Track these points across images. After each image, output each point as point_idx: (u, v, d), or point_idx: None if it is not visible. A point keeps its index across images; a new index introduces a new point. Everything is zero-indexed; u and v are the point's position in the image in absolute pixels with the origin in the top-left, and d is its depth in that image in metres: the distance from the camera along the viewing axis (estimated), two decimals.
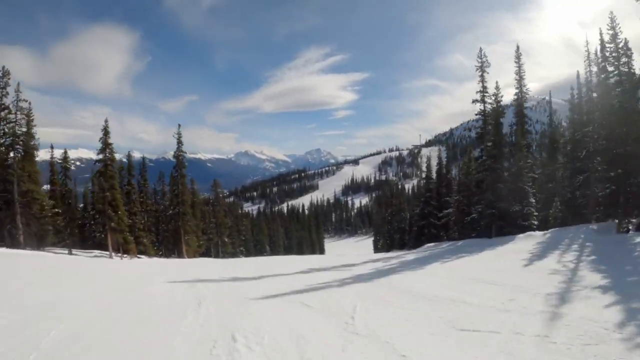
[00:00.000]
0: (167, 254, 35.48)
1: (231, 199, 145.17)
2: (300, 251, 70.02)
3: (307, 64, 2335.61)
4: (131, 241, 27.74)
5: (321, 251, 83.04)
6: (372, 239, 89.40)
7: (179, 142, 35.43)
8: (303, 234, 72.97)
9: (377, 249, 62.44)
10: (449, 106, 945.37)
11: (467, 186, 30.08)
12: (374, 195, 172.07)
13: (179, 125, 35.42)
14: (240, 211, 66.95)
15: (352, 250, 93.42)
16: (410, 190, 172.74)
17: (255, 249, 56.09)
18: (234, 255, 43.62)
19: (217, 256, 39.79)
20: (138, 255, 28.97)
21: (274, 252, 62.42)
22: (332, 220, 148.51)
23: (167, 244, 36.09)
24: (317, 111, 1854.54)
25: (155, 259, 29.59)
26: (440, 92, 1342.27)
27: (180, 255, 34.10)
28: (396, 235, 48.63)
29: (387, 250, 49.29)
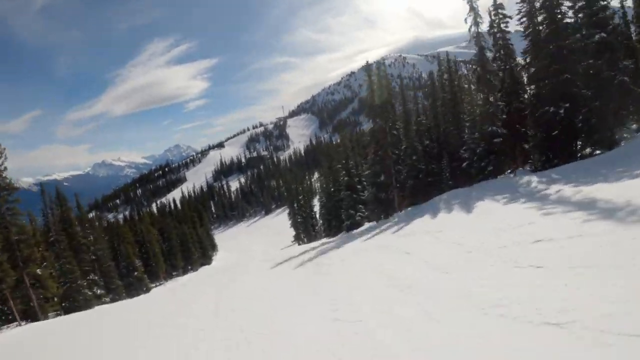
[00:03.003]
0: None
1: (92, 214, 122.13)
2: (186, 253, 52.38)
3: (152, 57, 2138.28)
4: None
5: (213, 247, 65.91)
6: (283, 216, 76.03)
7: None
8: (185, 229, 54.70)
9: (303, 233, 48.67)
10: (301, 81, 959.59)
11: None
12: (249, 174, 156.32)
13: None
14: (97, 223, 45.69)
15: (260, 240, 79.04)
16: (287, 161, 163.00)
17: (120, 271, 37.63)
18: (75, 302, 25.89)
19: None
20: None
21: (151, 266, 44.30)
22: (212, 210, 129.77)
23: None
24: (170, 105, 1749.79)
25: None
26: (291, 67, 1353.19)
27: None
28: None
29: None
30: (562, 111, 18.51)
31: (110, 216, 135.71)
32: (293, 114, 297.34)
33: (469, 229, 12.86)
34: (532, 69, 20.51)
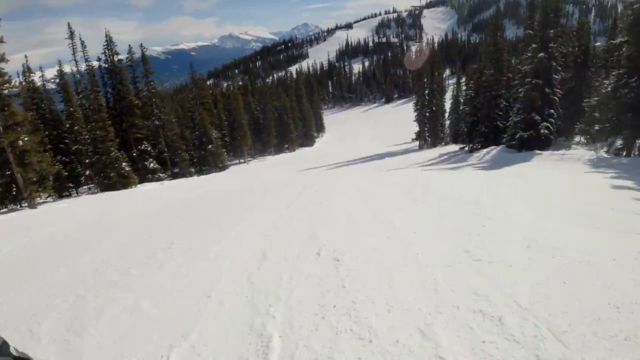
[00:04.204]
0: None
1: (210, 82, 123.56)
2: (283, 130, 43.18)
3: None
4: None
5: (319, 128, 56.51)
6: (405, 107, 64.16)
7: None
8: (287, 102, 44.71)
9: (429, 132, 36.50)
10: None
11: None
12: (374, 58, 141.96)
13: None
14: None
15: (372, 129, 68.47)
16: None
17: (193, 142, 29.51)
18: (107, 180, 18.30)
19: None
20: None
21: (236, 140, 35.97)
22: (329, 89, 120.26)
23: None
24: None
25: None
26: None
27: None
28: None
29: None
30: None
31: (225, 85, 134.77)
32: (430, 4, 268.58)
33: None
34: None
